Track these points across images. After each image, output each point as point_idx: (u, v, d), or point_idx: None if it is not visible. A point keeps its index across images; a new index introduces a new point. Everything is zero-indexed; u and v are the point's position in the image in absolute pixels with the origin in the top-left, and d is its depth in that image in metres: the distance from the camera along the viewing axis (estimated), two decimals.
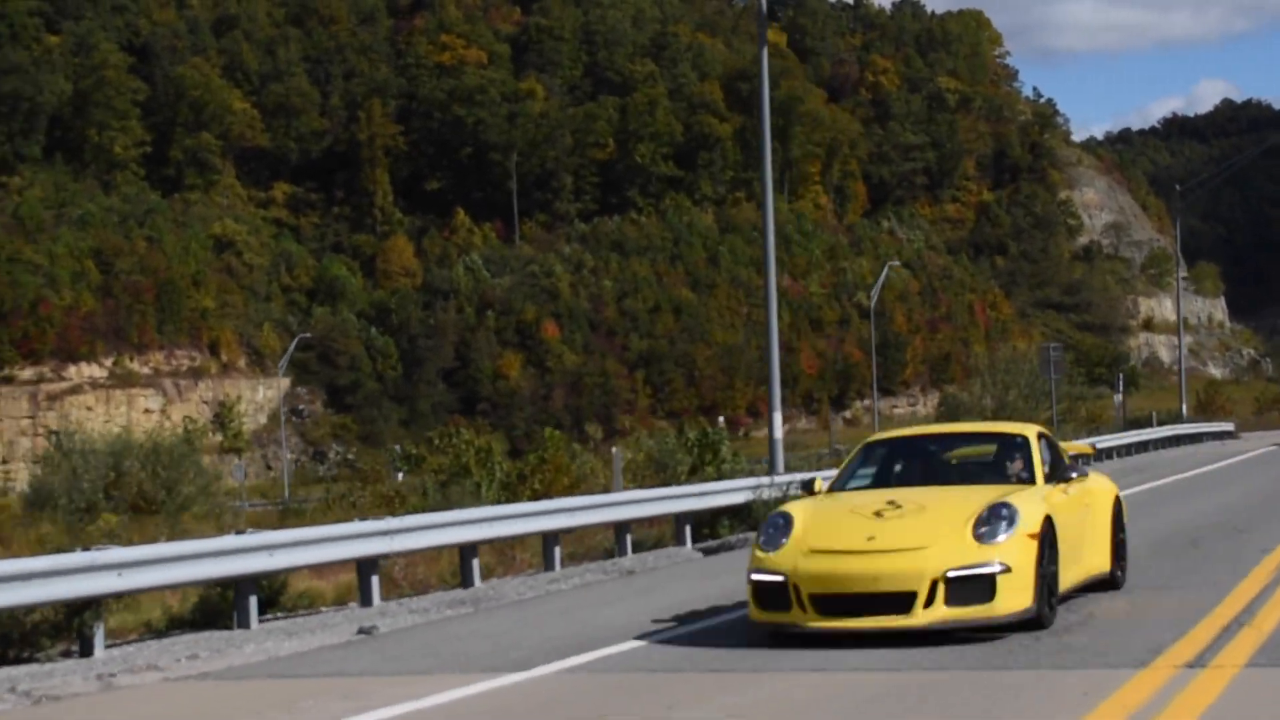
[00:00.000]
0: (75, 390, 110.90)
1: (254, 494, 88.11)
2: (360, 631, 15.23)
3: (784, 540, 12.39)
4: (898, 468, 14.22)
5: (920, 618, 11.71)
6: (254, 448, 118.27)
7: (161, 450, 40.21)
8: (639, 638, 13.15)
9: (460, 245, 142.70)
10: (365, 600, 17.54)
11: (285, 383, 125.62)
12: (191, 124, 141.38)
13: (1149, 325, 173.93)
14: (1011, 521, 12.05)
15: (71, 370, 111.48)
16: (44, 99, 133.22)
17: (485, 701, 10.81)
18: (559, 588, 18.39)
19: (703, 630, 13.52)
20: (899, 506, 12.47)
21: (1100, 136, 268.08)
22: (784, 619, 12.11)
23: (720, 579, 17.50)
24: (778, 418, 29.13)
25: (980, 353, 53.54)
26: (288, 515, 38.08)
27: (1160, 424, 59.75)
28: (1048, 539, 12.39)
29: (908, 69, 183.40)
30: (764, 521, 13.17)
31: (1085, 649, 11.36)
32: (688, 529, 23.15)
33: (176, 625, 17.29)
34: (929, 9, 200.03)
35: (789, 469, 30.08)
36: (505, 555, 21.96)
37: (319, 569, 19.48)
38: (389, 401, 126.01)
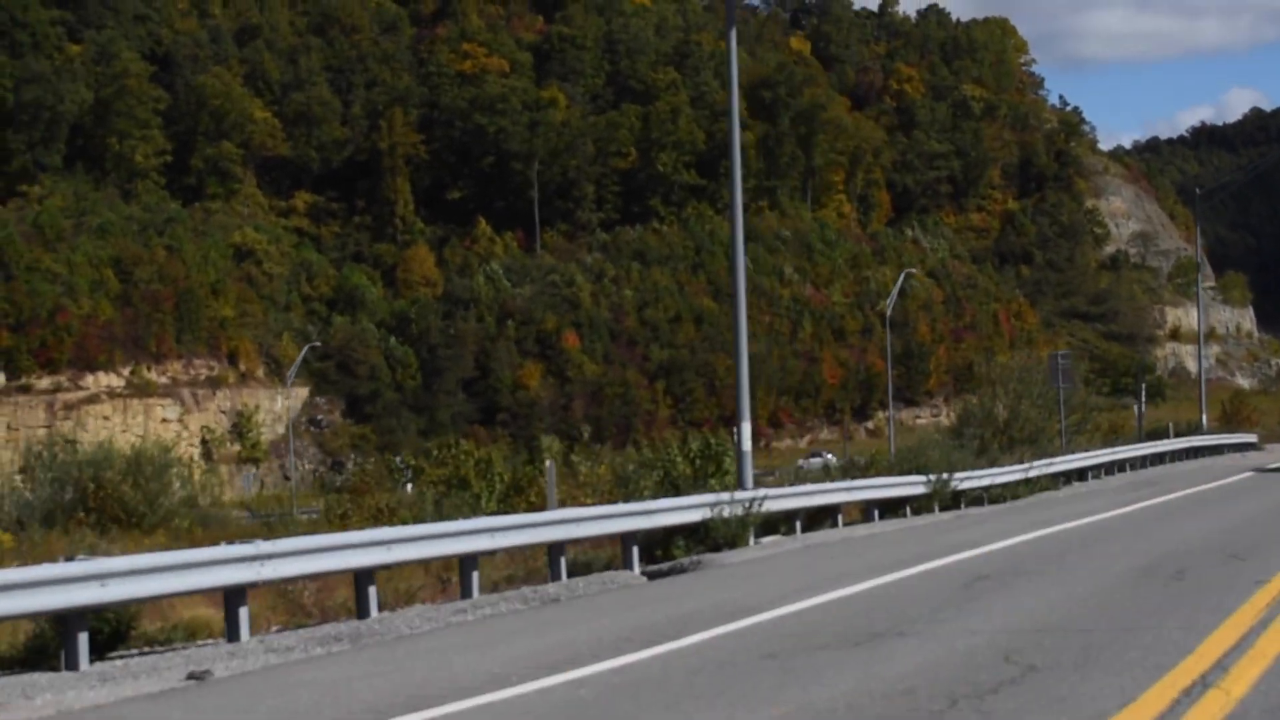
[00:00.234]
0: (92, 400, 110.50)
1: (272, 504, 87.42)
2: (190, 677, 13.53)
3: None
4: None
5: None
6: (272, 458, 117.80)
7: (143, 461, 39.31)
8: (488, 690, 11.48)
9: (481, 254, 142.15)
10: (232, 635, 15.65)
11: (304, 392, 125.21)
12: (212, 133, 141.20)
13: (1176, 335, 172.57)
14: None
15: (89, 379, 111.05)
16: (65, 108, 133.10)
17: None
18: (462, 619, 16.69)
19: (564, 684, 11.65)
20: None
21: (1128, 146, 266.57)
22: None
23: (643, 610, 15.85)
24: (746, 428, 27.46)
25: (1004, 361, 52.58)
26: (273, 528, 37.28)
27: (1178, 435, 58.55)
28: None
29: (932, 77, 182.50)
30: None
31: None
32: (635, 550, 21.51)
33: (4, 664, 15.67)
34: (954, 17, 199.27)
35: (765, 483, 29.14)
36: (444, 578, 20.89)
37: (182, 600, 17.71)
38: (408, 411, 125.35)
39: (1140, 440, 57.07)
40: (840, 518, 28.53)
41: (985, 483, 35.49)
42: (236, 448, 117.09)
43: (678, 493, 26.75)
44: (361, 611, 17.08)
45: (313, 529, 33.10)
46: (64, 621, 14.29)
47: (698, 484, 32.76)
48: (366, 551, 16.98)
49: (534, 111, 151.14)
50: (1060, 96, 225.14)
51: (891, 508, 31.59)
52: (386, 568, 17.90)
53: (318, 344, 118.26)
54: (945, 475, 32.70)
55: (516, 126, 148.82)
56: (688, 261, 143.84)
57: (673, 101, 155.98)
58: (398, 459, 61.66)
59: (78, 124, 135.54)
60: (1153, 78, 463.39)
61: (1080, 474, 43.66)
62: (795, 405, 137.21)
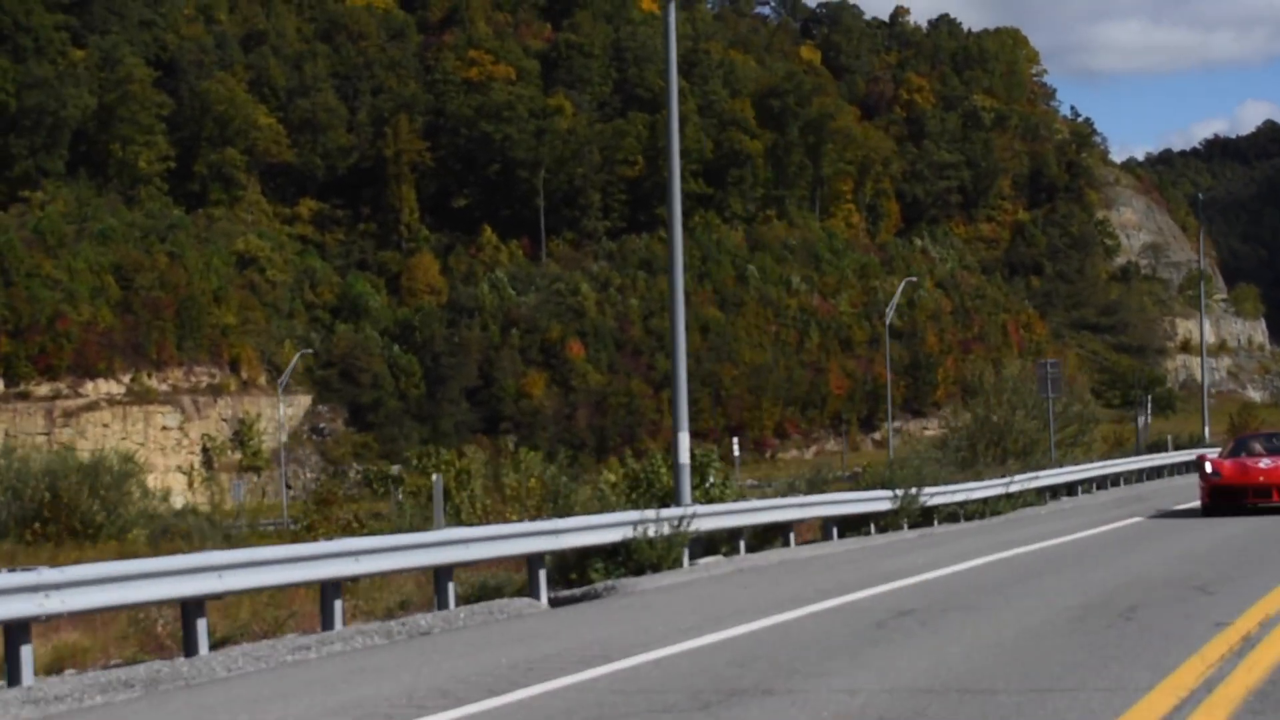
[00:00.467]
0: (92, 407, 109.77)
1: (273, 513, 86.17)
2: None
3: None
4: None
5: None
6: (274, 466, 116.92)
7: (102, 470, 38.11)
8: None
9: (486, 263, 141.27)
10: (13, 679, 13.38)
11: (307, 400, 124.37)
12: (217, 139, 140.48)
13: (1186, 347, 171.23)
14: None
15: (89, 386, 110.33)
16: (68, 113, 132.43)
17: None
18: (302, 657, 14.50)
19: None
20: None
21: (1141, 158, 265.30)
22: None
23: (504, 651, 13.74)
24: (684, 438, 24.76)
25: (1009, 371, 51.36)
26: (235, 541, 36.17)
27: (1178, 448, 57.10)
28: None
29: (943, 87, 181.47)
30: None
31: None
32: (542, 574, 19.34)
33: None
34: (965, 27, 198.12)
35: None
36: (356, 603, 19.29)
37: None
38: (411, 420, 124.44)
39: (1140, 453, 55.77)
40: (792, 537, 26.46)
41: (960, 498, 33.76)
42: (238, 456, 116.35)
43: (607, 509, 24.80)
44: (189, 648, 15.06)
45: (275, 540, 31.98)
46: None
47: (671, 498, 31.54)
48: (192, 579, 14.87)
49: (540, 119, 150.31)
50: (1072, 107, 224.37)
51: (854, 525, 29.60)
52: (218, 597, 15.74)
53: (309, 350, 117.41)
54: (913, 490, 30.91)
55: (523, 134, 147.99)
56: (694, 271, 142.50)
57: (680, 110, 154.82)
58: (395, 468, 60.64)
59: (81, 129, 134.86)
60: (1167, 90, 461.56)
61: (1070, 488, 42.21)
62: (801, 416, 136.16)
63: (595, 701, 10.86)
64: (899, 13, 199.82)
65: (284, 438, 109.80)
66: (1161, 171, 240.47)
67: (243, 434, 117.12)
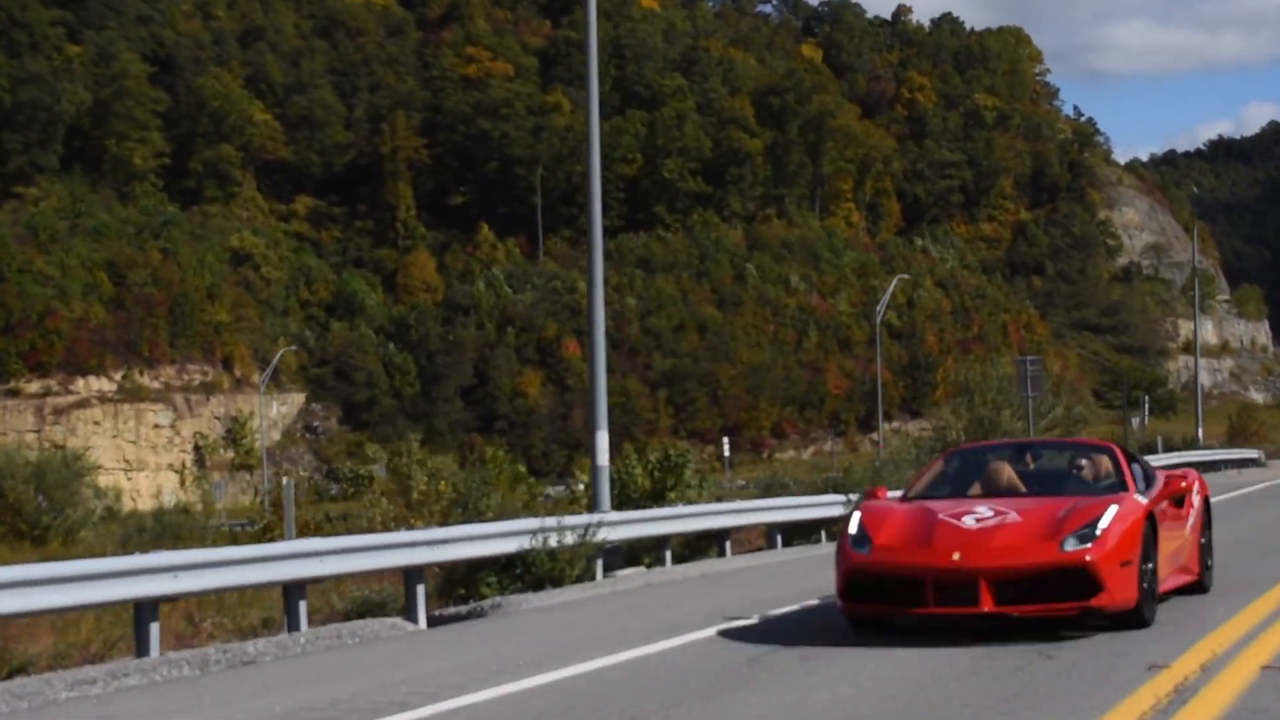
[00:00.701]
0: (82, 404, 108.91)
1: (255, 513, 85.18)
2: None
3: None
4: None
5: None
6: (268, 464, 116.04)
7: (48, 470, 37.11)
8: None
9: (483, 260, 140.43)
10: None
11: (300, 398, 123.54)
12: (212, 135, 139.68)
13: (1188, 348, 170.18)
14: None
15: (79, 384, 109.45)
16: (62, 109, 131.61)
17: None
18: (83, 693, 12.09)
19: None
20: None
21: (1146, 159, 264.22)
22: None
23: (323, 687, 11.60)
24: (602, 438, 22.89)
25: (1009, 374, 50.31)
26: (188, 541, 35.22)
27: (1169, 450, 55.83)
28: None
29: (945, 86, 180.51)
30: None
31: None
32: (420, 590, 17.19)
33: None
34: (968, 26, 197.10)
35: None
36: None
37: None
38: (405, 419, 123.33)
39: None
40: (729, 546, 24.48)
41: None
42: (230, 454, 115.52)
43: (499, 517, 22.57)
44: None
45: (233, 541, 31.04)
46: None
47: (655, 498, 30.35)
48: None
49: (538, 116, 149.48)
50: (1075, 107, 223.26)
51: (804, 532, 27.68)
52: (14, 617, 13.55)
53: (295, 348, 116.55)
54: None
55: (520, 131, 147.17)
56: (692, 269, 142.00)
57: (679, 108, 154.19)
58: (374, 467, 59.73)
59: (75, 125, 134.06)
60: (1171, 91, 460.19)
61: None
62: (799, 416, 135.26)
63: None
64: (901, 11, 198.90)
65: (264, 437, 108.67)
66: (1165, 172, 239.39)
67: (235, 432, 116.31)
